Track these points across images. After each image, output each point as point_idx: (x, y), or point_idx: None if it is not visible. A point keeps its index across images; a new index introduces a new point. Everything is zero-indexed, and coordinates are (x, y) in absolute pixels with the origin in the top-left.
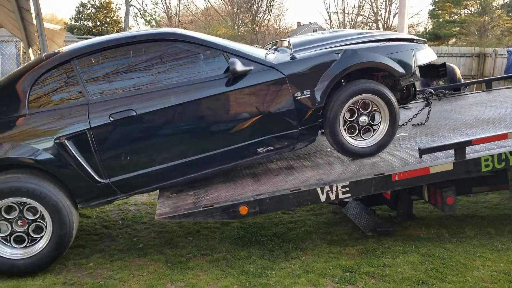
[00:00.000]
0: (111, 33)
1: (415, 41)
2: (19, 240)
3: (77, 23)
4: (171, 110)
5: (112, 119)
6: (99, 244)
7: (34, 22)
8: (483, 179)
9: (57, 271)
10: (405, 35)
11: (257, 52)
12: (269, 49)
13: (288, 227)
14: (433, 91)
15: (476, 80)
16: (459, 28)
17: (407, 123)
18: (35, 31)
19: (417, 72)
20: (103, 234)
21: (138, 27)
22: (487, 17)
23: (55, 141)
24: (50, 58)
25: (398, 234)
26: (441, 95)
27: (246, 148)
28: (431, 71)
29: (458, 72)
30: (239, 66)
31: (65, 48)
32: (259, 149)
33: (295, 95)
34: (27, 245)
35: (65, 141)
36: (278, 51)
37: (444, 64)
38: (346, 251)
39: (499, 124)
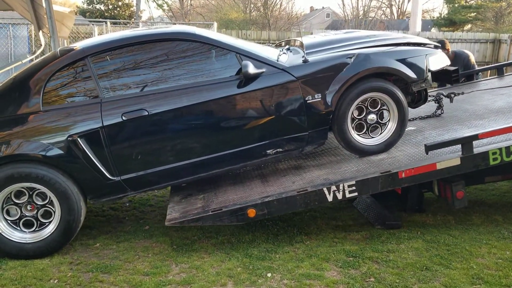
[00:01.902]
0: (123, 17)
1: (428, 45)
2: (28, 224)
3: (89, 7)
4: (183, 110)
5: (124, 118)
6: (106, 225)
7: (44, 4)
8: (496, 169)
9: (64, 251)
10: (418, 38)
11: (270, 53)
12: (282, 48)
13: (294, 212)
14: (444, 93)
15: (488, 66)
16: (475, 13)
17: (414, 119)
18: (44, 14)
19: (429, 78)
20: (110, 216)
21: (150, 11)
22: (503, 3)
23: (68, 138)
24: (64, 56)
25: (404, 220)
26: (452, 96)
27: (255, 149)
28: (443, 76)
29: (472, 58)
30: (252, 69)
31: (79, 45)
32: (268, 151)
33: (306, 98)
34: (36, 229)
35: (78, 138)
36: (291, 51)
37: (457, 70)
38: (350, 236)
39: (509, 114)
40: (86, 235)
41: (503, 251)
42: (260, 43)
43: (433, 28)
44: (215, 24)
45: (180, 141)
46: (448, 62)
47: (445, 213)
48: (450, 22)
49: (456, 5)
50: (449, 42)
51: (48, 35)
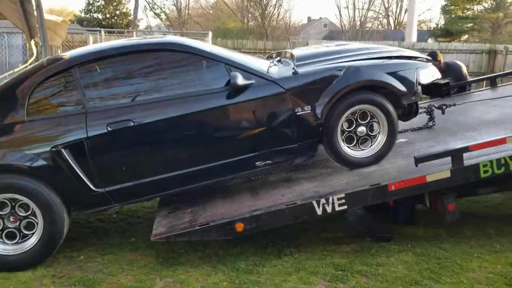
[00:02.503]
0: (120, 26)
1: (419, 58)
2: (10, 236)
3: (87, 16)
4: (170, 121)
5: (109, 129)
6: (92, 237)
7: (35, 13)
8: (489, 180)
9: (48, 263)
10: (409, 52)
11: (260, 64)
12: (273, 60)
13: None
14: (435, 105)
15: (480, 77)
16: (471, 24)
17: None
18: (36, 23)
19: (419, 91)
20: (96, 227)
21: (147, 20)
22: (500, 13)
23: (52, 149)
24: (51, 65)
25: (395, 233)
26: (444, 107)
27: (244, 161)
28: (434, 89)
29: (464, 69)
30: (240, 80)
31: (67, 54)
32: (257, 163)
33: (296, 110)
34: (19, 241)
35: (62, 149)
36: (281, 62)
37: (448, 83)
38: (340, 249)
39: (501, 126)
40: (70, 247)
41: (495, 265)
42: (256, 53)
43: (429, 39)
44: (210, 34)
45: (166, 152)
46: (439, 75)
47: (437, 225)
48: (447, 33)
49: (453, 16)
50: (445, 52)
51: (39, 44)
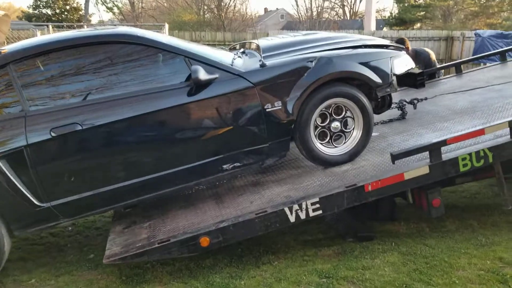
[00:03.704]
0: (71, 21)
1: (390, 47)
2: None
3: (36, 11)
4: (124, 123)
5: (53, 135)
6: (44, 255)
7: None
8: None
9: None
10: (381, 40)
11: (223, 57)
12: (236, 52)
13: None
14: (406, 100)
15: (447, 64)
16: (424, 12)
17: (377, 123)
18: None
19: (395, 82)
20: (49, 243)
21: (99, 14)
22: (451, 1)
23: None
24: None
25: (376, 230)
26: (415, 102)
27: (210, 164)
28: (408, 80)
29: (433, 56)
30: (202, 75)
31: (5, 49)
32: (224, 166)
33: (265, 107)
34: None
35: None
36: (246, 54)
37: (422, 73)
38: (321, 253)
39: (473, 115)
40: (19, 269)
41: (483, 261)
42: (215, 45)
43: (384, 28)
44: (167, 26)
45: (121, 159)
46: (413, 65)
47: (418, 219)
48: (401, 21)
49: (406, 5)
50: None
51: None
